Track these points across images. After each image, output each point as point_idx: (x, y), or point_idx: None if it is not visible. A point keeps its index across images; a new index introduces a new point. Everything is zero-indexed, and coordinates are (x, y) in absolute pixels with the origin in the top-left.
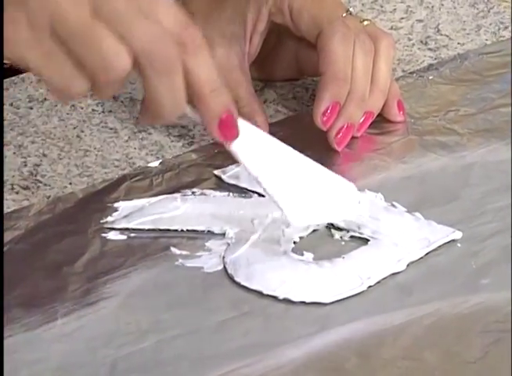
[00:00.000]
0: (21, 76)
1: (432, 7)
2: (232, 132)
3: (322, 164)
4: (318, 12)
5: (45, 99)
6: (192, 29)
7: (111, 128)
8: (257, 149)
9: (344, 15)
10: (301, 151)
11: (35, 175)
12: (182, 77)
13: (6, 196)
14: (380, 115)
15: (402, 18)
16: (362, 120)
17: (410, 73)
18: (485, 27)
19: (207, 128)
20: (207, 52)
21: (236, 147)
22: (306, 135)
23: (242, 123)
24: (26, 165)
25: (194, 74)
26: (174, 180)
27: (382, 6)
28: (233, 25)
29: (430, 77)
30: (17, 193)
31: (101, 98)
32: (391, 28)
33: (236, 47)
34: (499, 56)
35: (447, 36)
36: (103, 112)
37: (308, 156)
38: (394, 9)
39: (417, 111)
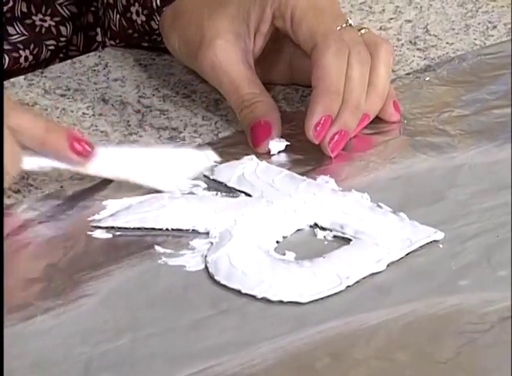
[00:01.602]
0: (11, 80)
1: (421, 7)
2: (87, 151)
3: (311, 164)
4: (315, 25)
5: (35, 103)
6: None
7: (102, 131)
8: (112, 158)
9: (343, 25)
10: (290, 151)
11: (27, 179)
12: (7, 131)
13: None
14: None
15: (391, 18)
16: None
17: (407, 74)
18: (474, 27)
19: (63, 161)
20: (21, 108)
21: (94, 169)
22: (296, 136)
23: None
24: None
25: (21, 128)
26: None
27: (371, 7)
28: (237, 22)
29: (427, 79)
30: (9, 196)
31: None
32: (380, 29)
33: (241, 43)
34: (497, 58)
35: (436, 36)
36: (94, 115)
37: (298, 156)
38: (383, 10)
39: (411, 112)
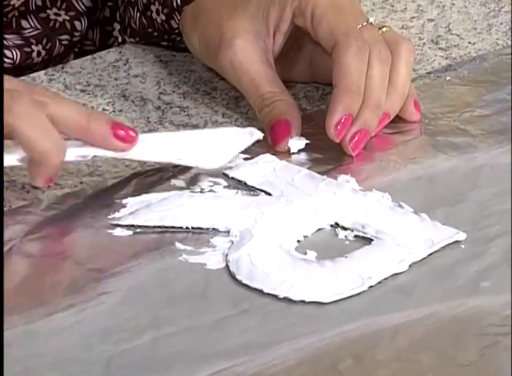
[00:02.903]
0: (32, 75)
1: (443, 6)
2: (131, 136)
3: (332, 163)
4: (336, 23)
5: None
6: (37, 89)
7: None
8: (153, 143)
9: (364, 24)
10: (310, 150)
11: None
12: (46, 118)
13: (17, 195)
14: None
15: (413, 17)
16: None
17: (428, 73)
18: (496, 27)
19: (107, 148)
20: (62, 98)
21: (136, 154)
22: (317, 135)
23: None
24: None
25: (62, 116)
26: (185, 177)
27: (393, 6)
28: (257, 22)
29: (448, 78)
30: (28, 192)
31: None
32: (402, 27)
33: (260, 42)
34: None
35: (458, 35)
36: (114, 111)
37: (318, 155)
38: (405, 9)
39: (432, 112)
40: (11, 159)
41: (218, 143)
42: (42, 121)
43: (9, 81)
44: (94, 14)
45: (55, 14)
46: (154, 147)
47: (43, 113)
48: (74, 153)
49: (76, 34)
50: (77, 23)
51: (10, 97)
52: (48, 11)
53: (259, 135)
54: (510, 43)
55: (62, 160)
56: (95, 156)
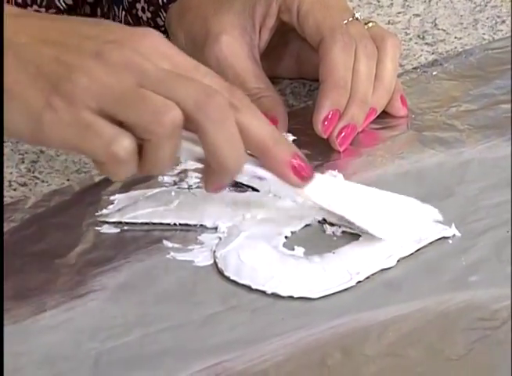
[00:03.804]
0: None
1: (429, 1)
2: (307, 173)
3: (320, 159)
4: (322, 19)
5: None
6: (238, 92)
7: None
8: (329, 189)
9: (350, 19)
10: (298, 146)
11: (33, 172)
12: (236, 126)
13: (4, 192)
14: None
15: (399, 12)
16: None
17: (414, 68)
18: (482, 21)
19: (280, 177)
20: (257, 110)
21: (309, 191)
22: (304, 130)
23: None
24: (23, 162)
25: (249, 127)
26: (172, 174)
27: (379, 1)
28: (243, 17)
29: (434, 73)
30: (15, 189)
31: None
32: (388, 23)
33: (246, 38)
34: (504, 52)
35: (444, 30)
36: None
37: (305, 151)
38: (391, 4)
39: (419, 107)
40: (189, 155)
41: (399, 215)
42: (233, 130)
43: (209, 77)
44: (74, 12)
45: (36, 11)
46: (329, 192)
47: (234, 122)
48: (251, 170)
49: None
50: None
51: (206, 94)
52: (28, 8)
53: (438, 216)
54: (496, 38)
55: (238, 173)
56: (264, 179)
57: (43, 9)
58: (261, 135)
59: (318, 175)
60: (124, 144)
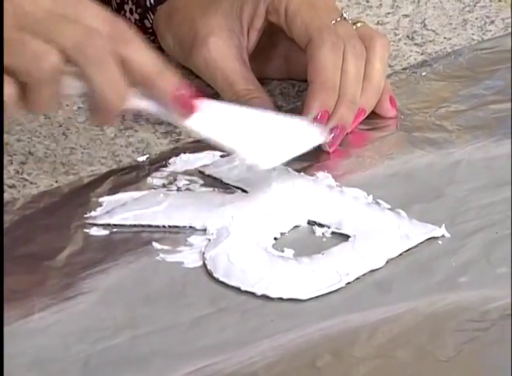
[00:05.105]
0: None
1: (418, 2)
2: (191, 104)
3: (309, 160)
4: (310, 19)
5: None
6: (120, 24)
7: (97, 126)
8: (215, 117)
9: (338, 19)
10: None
11: (21, 173)
12: (116, 65)
13: None
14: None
15: (388, 13)
16: None
17: (403, 69)
18: (472, 22)
19: (164, 108)
20: (141, 41)
21: (194, 122)
22: None
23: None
24: (12, 163)
25: (133, 60)
26: (161, 175)
27: (368, 1)
28: (230, 19)
29: (423, 74)
30: (3, 191)
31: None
32: (377, 23)
33: (234, 39)
34: (493, 53)
35: (433, 31)
36: None
37: None
38: (380, 4)
39: (408, 107)
40: (74, 89)
41: (280, 138)
42: (113, 70)
43: (90, 11)
44: None
45: None
46: (214, 123)
47: (114, 60)
48: (136, 104)
49: None
50: None
51: (85, 36)
52: None
53: (321, 140)
54: (485, 38)
55: (121, 109)
56: (153, 112)
57: None
58: (145, 67)
59: (206, 103)
60: (7, 91)
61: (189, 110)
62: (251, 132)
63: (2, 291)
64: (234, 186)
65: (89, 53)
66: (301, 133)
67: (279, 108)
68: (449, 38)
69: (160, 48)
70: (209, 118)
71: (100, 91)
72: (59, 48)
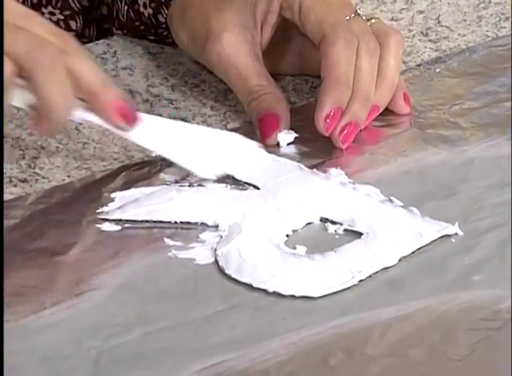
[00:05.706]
0: None
1: None
2: (132, 117)
3: (321, 156)
4: (324, 15)
5: None
6: (66, 37)
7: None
8: (155, 131)
9: (352, 15)
10: (299, 144)
11: (33, 168)
12: (66, 73)
13: (4, 189)
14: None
15: (403, 9)
16: None
17: (417, 65)
18: (486, 18)
19: (107, 121)
20: (86, 55)
21: (136, 134)
22: (306, 128)
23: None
24: (24, 158)
25: (80, 73)
26: (173, 171)
27: None
28: (244, 15)
29: (437, 70)
30: (15, 185)
31: None
32: (392, 19)
33: (248, 35)
34: (507, 50)
35: (448, 27)
36: None
37: (307, 149)
38: (395, 0)
39: (422, 104)
40: (21, 101)
41: (219, 150)
42: (62, 77)
43: (40, 24)
44: (90, 14)
45: (50, 13)
46: (156, 136)
47: (64, 69)
48: (81, 116)
49: (71, 33)
50: (72, 23)
51: (38, 44)
52: (43, 9)
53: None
54: (499, 35)
55: (67, 119)
56: (98, 124)
57: (57, 11)
58: (89, 79)
59: (146, 118)
60: None
61: (130, 122)
62: (189, 145)
63: (2, 291)
64: (246, 183)
65: (40, 59)
66: (238, 146)
67: (292, 104)
68: (464, 35)
69: (173, 43)
70: (150, 131)
71: (48, 94)
72: (11, 55)
